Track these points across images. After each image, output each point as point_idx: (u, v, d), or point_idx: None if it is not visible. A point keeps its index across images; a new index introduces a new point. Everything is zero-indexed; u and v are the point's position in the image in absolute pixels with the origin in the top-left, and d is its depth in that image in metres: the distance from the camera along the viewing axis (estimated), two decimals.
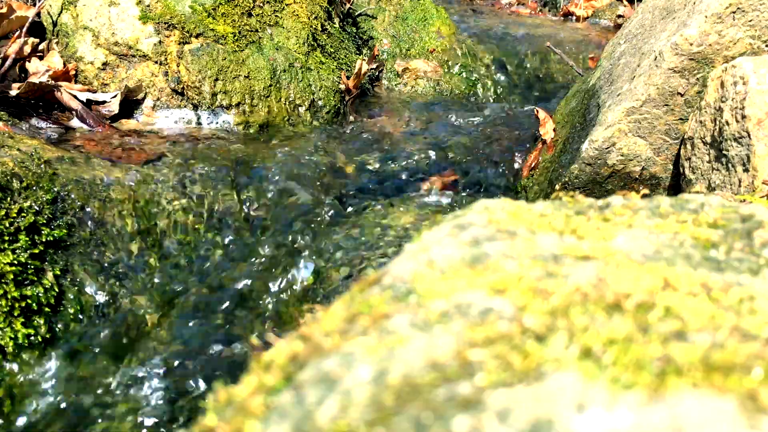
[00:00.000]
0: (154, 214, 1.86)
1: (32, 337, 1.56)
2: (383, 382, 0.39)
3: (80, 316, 1.65)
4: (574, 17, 3.94)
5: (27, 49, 2.35)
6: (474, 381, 0.39)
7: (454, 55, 3.18)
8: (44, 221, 1.67)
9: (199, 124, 2.39)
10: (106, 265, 1.74)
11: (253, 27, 2.52)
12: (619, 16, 3.85)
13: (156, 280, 1.78)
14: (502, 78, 3.18)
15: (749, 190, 1.43)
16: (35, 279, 1.60)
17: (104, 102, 2.34)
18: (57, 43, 2.43)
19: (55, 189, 1.74)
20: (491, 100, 3.06)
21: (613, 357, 0.40)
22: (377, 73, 3.07)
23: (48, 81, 2.23)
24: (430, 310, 0.46)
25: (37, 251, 1.62)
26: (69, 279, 1.67)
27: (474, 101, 3.02)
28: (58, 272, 1.65)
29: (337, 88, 2.65)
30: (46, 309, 1.60)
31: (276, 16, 2.59)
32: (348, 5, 3.03)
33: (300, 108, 2.52)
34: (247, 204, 1.97)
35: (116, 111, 2.32)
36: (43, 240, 1.65)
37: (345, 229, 1.91)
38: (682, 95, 1.75)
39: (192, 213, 1.90)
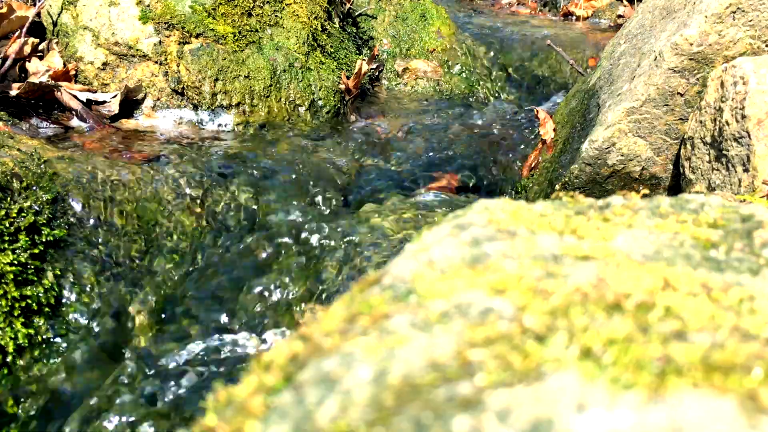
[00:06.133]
0: (154, 214, 1.86)
1: (32, 338, 1.56)
2: (383, 382, 0.39)
3: (80, 316, 1.65)
4: (574, 17, 3.94)
5: (27, 49, 2.35)
6: (474, 381, 0.39)
7: (454, 55, 3.18)
8: (44, 221, 1.67)
9: (199, 124, 2.39)
10: (106, 265, 1.74)
11: (253, 27, 2.52)
12: (619, 16, 3.85)
13: (156, 280, 1.78)
14: (502, 78, 3.18)
15: (749, 190, 1.43)
16: (35, 279, 1.60)
17: (104, 102, 2.34)
18: (57, 43, 2.43)
19: (55, 189, 1.74)
20: (491, 100, 3.06)
21: (613, 357, 0.40)
22: (377, 73, 3.07)
23: (48, 81, 2.23)
24: (430, 310, 0.46)
25: (37, 251, 1.62)
26: (69, 279, 1.67)
27: (474, 101, 3.02)
28: (58, 272, 1.65)
29: (337, 88, 2.65)
30: (46, 309, 1.60)
31: (276, 16, 2.59)
32: (348, 5, 3.03)
33: (300, 108, 2.52)
34: (247, 204, 1.97)
35: (116, 111, 2.32)
36: (43, 240, 1.65)
37: (344, 229, 1.91)
38: (682, 95, 1.75)
39: (192, 213, 1.90)
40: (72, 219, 1.74)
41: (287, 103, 2.49)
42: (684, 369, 0.39)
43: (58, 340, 1.61)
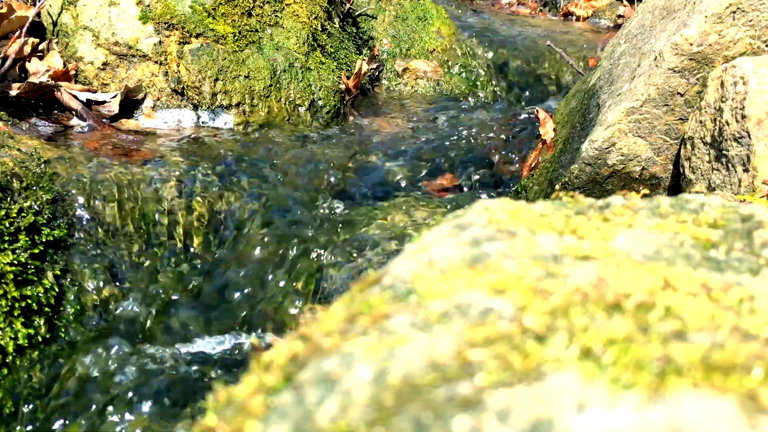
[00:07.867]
0: (155, 213, 1.86)
1: (32, 338, 1.56)
2: (383, 382, 0.39)
3: (80, 316, 1.65)
4: (574, 17, 3.94)
5: (27, 49, 2.35)
6: (474, 381, 0.39)
7: (454, 55, 3.18)
8: (44, 221, 1.67)
9: (199, 124, 2.39)
10: (106, 265, 1.74)
11: (253, 27, 2.52)
12: (619, 16, 3.85)
13: (156, 280, 1.78)
14: (502, 78, 3.18)
15: (749, 190, 1.43)
16: (35, 279, 1.60)
17: (104, 102, 2.34)
18: (57, 43, 2.43)
19: (55, 189, 1.74)
20: (491, 100, 3.06)
21: (613, 357, 0.40)
22: (377, 73, 3.07)
23: (48, 81, 2.23)
24: (430, 310, 0.46)
25: (37, 251, 1.62)
26: (69, 279, 1.67)
27: (474, 101, 3.02)
28: (58, 272, 1.65)
29: (337, 88, 2.65)
30: (46, 309, 1.60)
31: (276, 16, 2.59)
32: (348, 5, 3.03)
33: (300, 108, 2.51)
34: (247, 204, 1.97)
35: (116, 111, 2.32)
36: (43, 240, 1.65)
37: (345, 229, 1.91)
38: (682, 95, 1.75)
39: (192, 212, 1.90)
40: (72, 219, 1.74)
41: (287, 103, 2.49)
42: (684, 369, 0.39)
43: (57, 340, 1.61)
